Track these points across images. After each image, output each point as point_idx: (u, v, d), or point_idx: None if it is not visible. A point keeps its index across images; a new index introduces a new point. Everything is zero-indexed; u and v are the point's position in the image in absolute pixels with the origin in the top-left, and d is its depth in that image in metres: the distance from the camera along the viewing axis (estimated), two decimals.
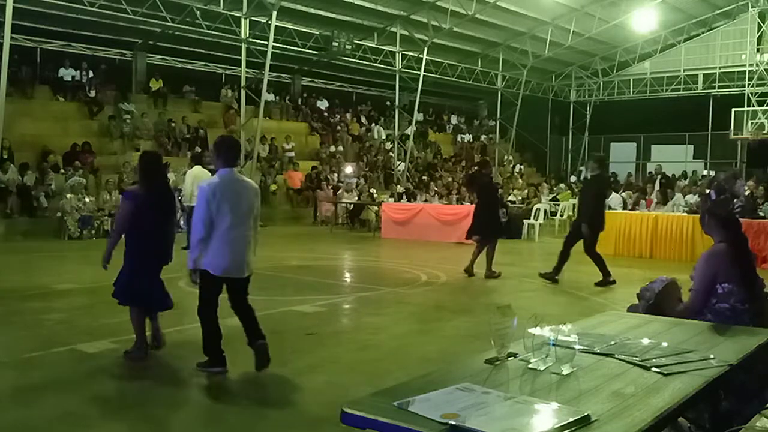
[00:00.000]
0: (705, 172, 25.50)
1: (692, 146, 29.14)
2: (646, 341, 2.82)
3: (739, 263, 3.66)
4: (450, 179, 22.80)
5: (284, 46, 19.57)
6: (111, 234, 5.87)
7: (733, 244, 3.72)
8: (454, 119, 30.96)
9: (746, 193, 13.12)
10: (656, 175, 22.82)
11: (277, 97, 23.95)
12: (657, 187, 20.00)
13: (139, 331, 5.32)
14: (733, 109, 25.18)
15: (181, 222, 13.91)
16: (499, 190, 11.95)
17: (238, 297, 5.05)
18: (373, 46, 22.03)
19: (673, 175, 26.34)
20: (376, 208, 17.62)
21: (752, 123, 24.89)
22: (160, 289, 5.41)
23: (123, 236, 5.34)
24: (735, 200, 3.83)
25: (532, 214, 16.49)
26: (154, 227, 5.28)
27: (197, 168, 13.03)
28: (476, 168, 11.33)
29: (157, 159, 5.76)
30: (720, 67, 26.11)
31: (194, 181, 12.67)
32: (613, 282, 9.41)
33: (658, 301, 3.64)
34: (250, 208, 5.00)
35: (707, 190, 3.83)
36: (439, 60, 24.16)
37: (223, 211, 4.80)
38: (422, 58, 22.39)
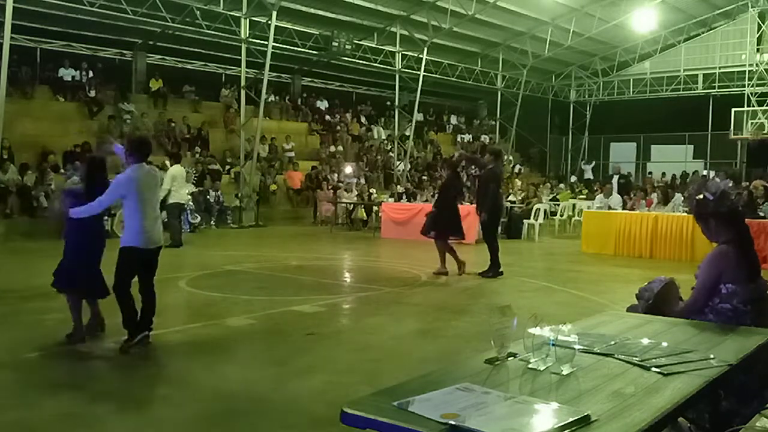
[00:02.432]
0: (705, 173, 25.47)
1: (692, 146, 29.14)
2: (646, 341, 2.81)
3: (744, 262, 3.63)
4: None
5: (284, 46, 19.58)
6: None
7: (740, 236, 3.68)
8: (454, 119, 30.94)
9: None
10: (614, 174, 22.27)
11: (277, 97, 23.94)
12: (615, 187, 19.70)
13: (75, 316, 5.79)
14: (733, 109, 25.18)
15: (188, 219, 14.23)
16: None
17: (150, 273, 5.71)
18: (373, 46, 22.03)
19: (674, 175, 26.40)
20: (375, 207, 17.61)
21: (752, 123, 24.89)
22: (96, 279, 5.82)
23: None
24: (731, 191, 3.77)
25: (532, 214, 16.48)
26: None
27: (176, 167, 12.99)
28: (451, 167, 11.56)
29: (93, 162, 6.19)
30: (720, 67, 26.13)
31: (173, 180, 12.65)
32: (501, 273, 9.88)
33: (657, 301, 3.63)
34: (158, 195, 6.07)
35: (700, 196, 3.76)
36: (439, 60, 24.17)
37: (140, 199, 5.57)
38: (422, 58, 22.39)
